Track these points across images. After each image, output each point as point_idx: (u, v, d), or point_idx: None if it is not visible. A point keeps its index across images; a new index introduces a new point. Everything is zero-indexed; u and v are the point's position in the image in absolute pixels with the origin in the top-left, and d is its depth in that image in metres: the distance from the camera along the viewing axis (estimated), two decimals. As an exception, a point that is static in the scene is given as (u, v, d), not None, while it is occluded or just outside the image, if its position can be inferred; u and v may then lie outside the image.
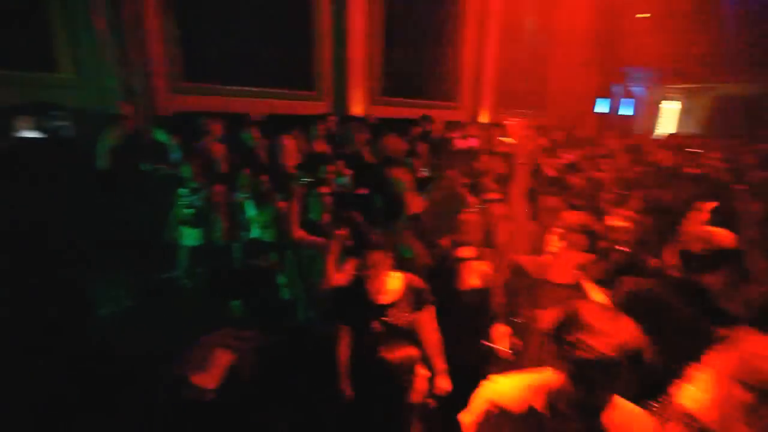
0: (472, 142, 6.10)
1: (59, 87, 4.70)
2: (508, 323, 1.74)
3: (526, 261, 1.79)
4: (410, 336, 1.86)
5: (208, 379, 2.69)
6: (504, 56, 8.97)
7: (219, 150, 4.34)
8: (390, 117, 6.86)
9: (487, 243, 2.11)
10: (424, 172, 4.58)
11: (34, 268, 2.68)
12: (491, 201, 2.05)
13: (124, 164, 3.97)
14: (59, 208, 3.03)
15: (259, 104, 5.84)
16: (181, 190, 3.61)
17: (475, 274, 2.12)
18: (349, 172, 4.15)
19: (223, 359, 2.74)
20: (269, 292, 3.13)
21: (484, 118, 8.68)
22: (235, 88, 6.07)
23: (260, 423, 2.44)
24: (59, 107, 4.12)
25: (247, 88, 6.16)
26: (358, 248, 2.56)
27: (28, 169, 2.76)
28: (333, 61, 6.88)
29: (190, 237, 3.67)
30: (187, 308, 3.61)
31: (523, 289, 1.72)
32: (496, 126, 7.07)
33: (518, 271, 1.75)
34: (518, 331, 1.70)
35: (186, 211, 3.59)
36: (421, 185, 3.90)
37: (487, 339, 1.78)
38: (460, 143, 5.96)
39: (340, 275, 2.34)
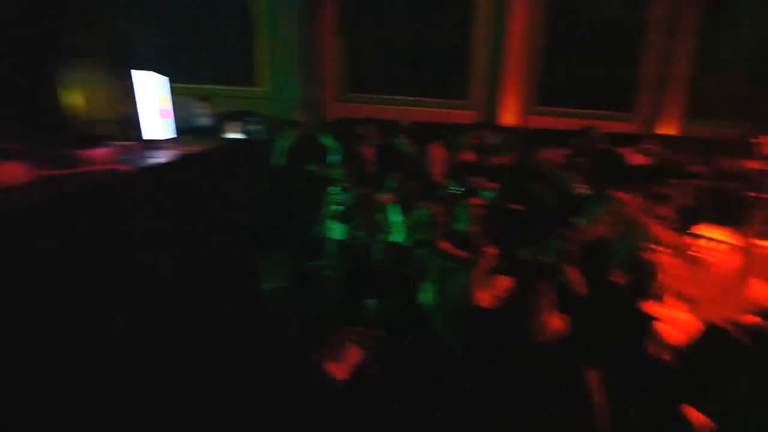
0: (650, 160, 5.13)
1: (257, 98, 5.88)
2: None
3: (746, 322, 1.34)
4: (571, 390, 1.57)
5: (338, 370, 2.86)
6: (703, 50, 7.26)
7: (370, 154, 4.64)
8: (546, 128, 6.30)
9: (683, 294, 1.61)
10: (584, 189, 4.04)
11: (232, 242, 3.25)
12: (706, 239, 1.53)
13: (295, 163, 4.60)
14: (251, 196, 3.66)
15: (412, 112, 6.07)
16: (332, 188, 3.95)
17: (667, 335, 1.65)
18: (494, 185, 3.94)
19: (354, 355, 2.89)
20: (406, 298, 3.18)
21: (668, 130, 7.22)
22: (391, 97, 6.48)
23: (379, 419, 2.48)
24: (255, 115, 5.03)
25: (401, 97, 6.51)
26: (507, 269, 2.37)
27: (232, 163, 3.44)
28: (488, 68, 6.70)
29: (336, 232, 3.99)
30: (329, 299, 3.93)
31: (738, 361, 1.29)
32: (685, 140, 5.81)
33: (732, 338, 1.31)
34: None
35: (335, 207, 3.92)
36: (581, 205, 3.44)
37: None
38: (634, 159, 5.07)
39: (485, 296, 2.19)
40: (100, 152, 1.83)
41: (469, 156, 4.67)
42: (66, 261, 1.09)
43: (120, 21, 5.30)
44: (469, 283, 2.39)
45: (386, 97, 6.50)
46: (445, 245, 2.70)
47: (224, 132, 4.44)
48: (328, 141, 4.51)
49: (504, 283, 2.26)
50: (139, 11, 5.56)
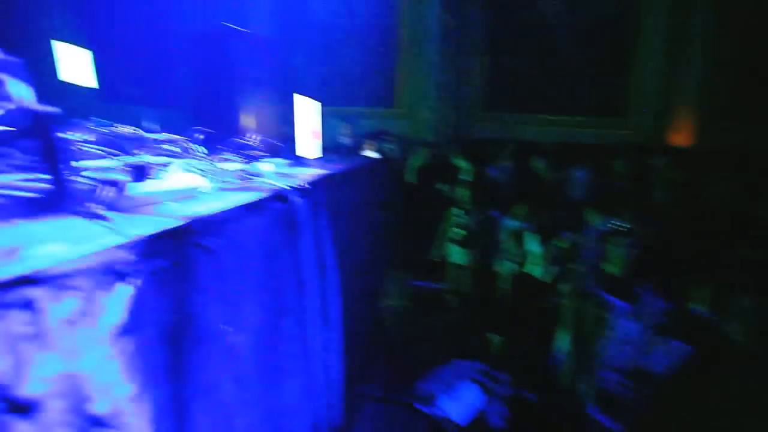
0: None
1: (393, 118, 6.16)
2: None
3: None
4: None
5: (455, 411, 2.65)
6: None
7: (503, 177, 4.40)
8: (737, 150, 4.98)
9: None
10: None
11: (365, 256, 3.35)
12: None
13: (425, 183, 4.65)
14: (382, 214, 3.81)
15: (556, 132, 5.57)
16: (455, 210, 3.81)
17: None
18: (658, 219, 3.28)
19: (475, 397, 2.66)
20: (536, 340, 2.83)
21: None
22: (531, 115, 6.04)
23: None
24: (391, 134, 5.29)
25: (543, 116, 6.01)
26: (674, 328, 1.90)
27: (366, 180, 3.65)
28: (655, 76, 5.58)
29: (457, 256, 3.85)
30: (448, 324, 3.77)
31: None
32: None
33: None
34: None
35: (456, 230, 3.78)
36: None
37: None
38: None
39: (645, 357, 1.79)
40: (262, 167, 2.10)
41: (625, 183, 4.04)
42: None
43: (285, 54, 6.22)
44: (618, 337, 2.00)
45: (526, 115, 6.09)
46: (591, 287, 2.32)
47: (362, 151, 4.75)
48: (460, 162, 4.44)
49: (668, 346, 1.81)
50: (299, 44, 6.43)
